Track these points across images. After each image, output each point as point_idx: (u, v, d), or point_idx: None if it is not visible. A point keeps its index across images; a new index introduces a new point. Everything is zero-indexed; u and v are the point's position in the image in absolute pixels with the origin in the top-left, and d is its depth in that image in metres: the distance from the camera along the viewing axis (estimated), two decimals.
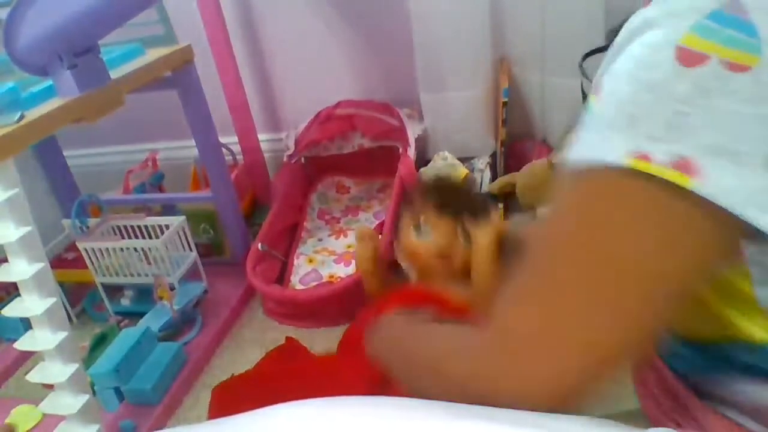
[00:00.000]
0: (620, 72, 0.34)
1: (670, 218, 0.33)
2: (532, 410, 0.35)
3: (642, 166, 0.32)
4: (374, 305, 0.83)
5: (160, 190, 1.38)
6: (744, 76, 0.31)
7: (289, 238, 1.29)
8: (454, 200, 0.80)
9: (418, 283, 0.84)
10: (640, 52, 0.34)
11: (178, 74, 1.05)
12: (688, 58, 0.32)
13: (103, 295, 1.13)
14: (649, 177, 0.32)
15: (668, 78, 0.32)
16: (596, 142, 0.35)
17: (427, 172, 1.22)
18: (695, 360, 0.44)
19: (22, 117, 0.74)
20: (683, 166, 0.31)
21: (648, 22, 0.34)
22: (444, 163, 1.23)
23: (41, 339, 0.74)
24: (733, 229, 0.32)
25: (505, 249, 0.77)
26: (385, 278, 0.88)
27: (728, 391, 0.42)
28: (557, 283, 0.36)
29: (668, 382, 0.46)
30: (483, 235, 0.77)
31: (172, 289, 1.07)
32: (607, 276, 0.34)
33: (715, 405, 0.43)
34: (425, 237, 0.80)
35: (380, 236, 0.84)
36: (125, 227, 1.14)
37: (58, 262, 1.18)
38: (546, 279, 0.37)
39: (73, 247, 1.17)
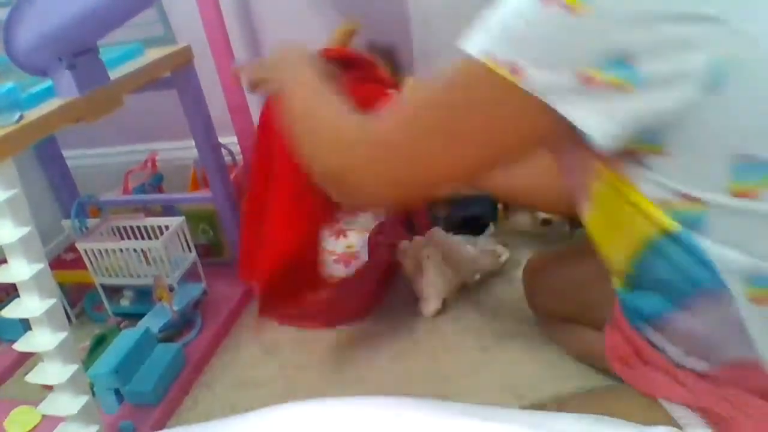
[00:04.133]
0: None
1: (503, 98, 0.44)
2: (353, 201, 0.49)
3: (490, 63, 0.43)
4: None
5: (160, 191, 1.38)
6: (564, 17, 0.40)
7: None
8: None
9: None
10: None
11: (177, 74, 1.05)
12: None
13: (103, 295, 1.13)
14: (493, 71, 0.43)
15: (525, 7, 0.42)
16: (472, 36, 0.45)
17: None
18: (644, 305, 0.51)
19: (21, 117, 0.74)
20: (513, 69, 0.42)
21: None
22: None
23: (41, 340, 0.74)
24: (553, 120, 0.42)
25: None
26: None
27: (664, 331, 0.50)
28: (424, 121, 0.49)
29: (626, 334, 0.55)
30: None
31: (171, 289, 1.07)
32: (457, 126, 0.47)
33: (660, 350, 0.52)
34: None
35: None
36: (125, 228, 1.14)
37: (57, 263, 1.18)
38: (416, 114, 0.50)
39: (72, 247, 1.17)
